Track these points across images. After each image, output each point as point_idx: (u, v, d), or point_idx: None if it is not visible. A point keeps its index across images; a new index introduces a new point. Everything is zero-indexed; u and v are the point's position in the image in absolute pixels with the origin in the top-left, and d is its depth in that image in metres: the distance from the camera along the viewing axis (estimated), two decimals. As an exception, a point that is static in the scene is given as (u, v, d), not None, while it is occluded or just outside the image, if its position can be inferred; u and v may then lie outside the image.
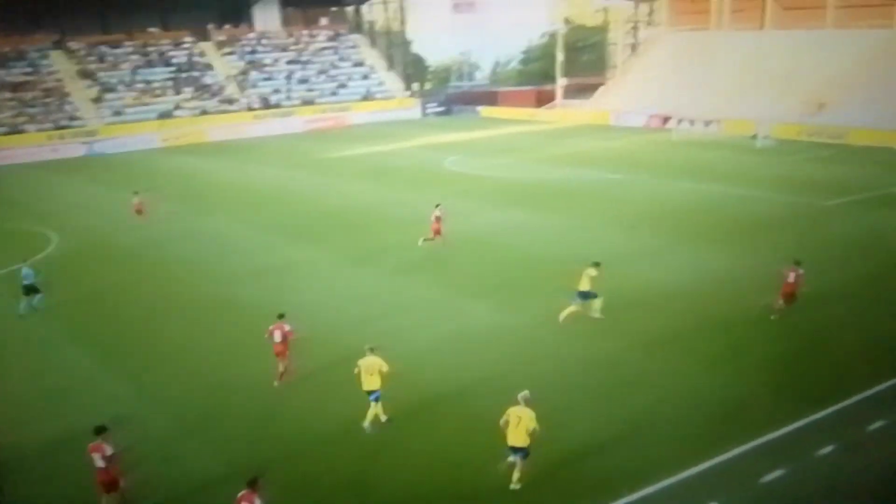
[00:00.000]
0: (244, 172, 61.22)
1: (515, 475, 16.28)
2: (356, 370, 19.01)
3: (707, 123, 77.12)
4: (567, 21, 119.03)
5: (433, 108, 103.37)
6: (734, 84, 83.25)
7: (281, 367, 21.45)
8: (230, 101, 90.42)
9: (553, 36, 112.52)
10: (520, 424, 15.98)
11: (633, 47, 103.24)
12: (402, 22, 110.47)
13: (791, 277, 24.65)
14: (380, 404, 18.92)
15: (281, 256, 35.30)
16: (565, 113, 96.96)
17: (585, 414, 19.09)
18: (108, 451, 15.60)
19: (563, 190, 48.71)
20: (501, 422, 16.30)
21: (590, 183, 50.56)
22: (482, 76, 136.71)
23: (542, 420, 16.09)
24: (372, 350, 18.98)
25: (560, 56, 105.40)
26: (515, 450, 16.19)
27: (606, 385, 18.25)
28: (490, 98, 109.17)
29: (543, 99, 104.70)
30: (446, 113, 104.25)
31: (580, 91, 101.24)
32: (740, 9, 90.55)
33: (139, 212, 44.01)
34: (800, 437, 17.94)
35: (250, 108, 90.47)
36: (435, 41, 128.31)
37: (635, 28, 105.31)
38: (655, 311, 25.96)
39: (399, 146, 72.78)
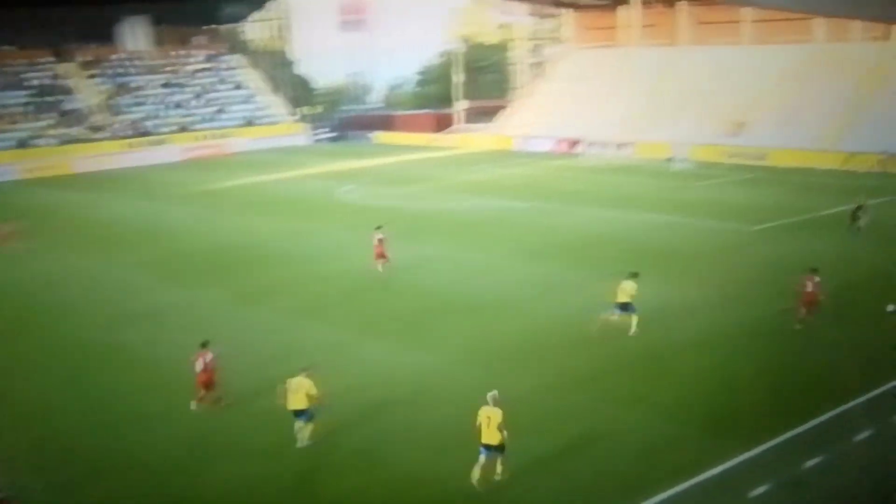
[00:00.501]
0: (115, 206, 58.92)
1: (498, 468, 17.74)
2: (280, 388, 19.89)
3: (619, 147, 78.07)
4: (465, 40, 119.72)
5: (324, 133, 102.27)
6: (647, 104, 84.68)
7: (201, 393, 22.08)
8: (97, 129, 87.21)
9: (450, 56, 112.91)
10: (490, 423, 17.47)
11: (538, 67, 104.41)
12: (285, 41, 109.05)
13: (809, 286, 25.92)
14: (310, 425, 19.75)
15: (157, 299, 33.41)
16: (466, 138, 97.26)
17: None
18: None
19: (467, 221, 48.23)
20: (477, 423, 17.65)
21: (494, 213, 50.16)
22: (376, 99, 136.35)
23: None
24: (304, 370, 19.82)
25: (459, 77, 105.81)
26: (490, 448, 17.60)
27: (514, 426, 17.47)
28: (385, 122, 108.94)
29: (443, 123, 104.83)
30: (338, 139, 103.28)
31: (482, 114, 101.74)
32: (651, 23, 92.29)
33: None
34: (731, 476, 17.68)
35: (120, 136, 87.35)
36: (322, 61, 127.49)
37: (539, 46, 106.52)
38: (571, 348, 25.23)
39: (287, 175, 71.50)
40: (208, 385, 22.05)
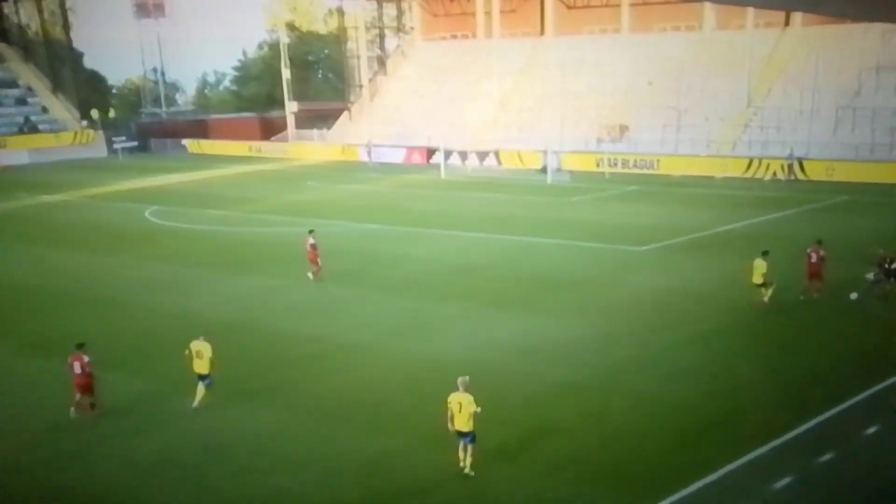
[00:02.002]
0: None
1: (468, 460, 20.22)
2: (186, 352, 24.32)
3: (482, 157, 79.47)
4: (291, 28, 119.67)
5: (122, 143, 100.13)
6: (511, 106, 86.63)
7: (77, 397, 24.01)
8: None
9: (274, 48, 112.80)
10: (462, 410, 20.00)
11: (381, 61, 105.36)
12: (67, 28, 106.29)
13: (814, 258, 31.53)
14: (208, 391, 24.45)
15: None
16: (300, 148, 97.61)
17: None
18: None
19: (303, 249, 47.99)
20: (448, 411, 20.13)
21: (336, 237, 50.34)
22: (186, 101, 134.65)
23: None
24: (205, 333, 24.30)
25: (286, 73, 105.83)
26: (463, 435, 20.18)
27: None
28: (199, 129, 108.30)
29: (271, 129, 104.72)
30: (142, 149, 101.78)
31: (318, 119, 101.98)
32: (512, 9, 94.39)
33: None
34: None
35: None
36: (116, 55, 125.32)
37: (381, 37, 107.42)
38: (426, 398, 25.55)
39: (79, 195, 69.97)
40: (85, 388, 23.84)
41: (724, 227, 49.35)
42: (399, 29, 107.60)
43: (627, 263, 41.98)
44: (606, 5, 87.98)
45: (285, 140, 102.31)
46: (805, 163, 66.73)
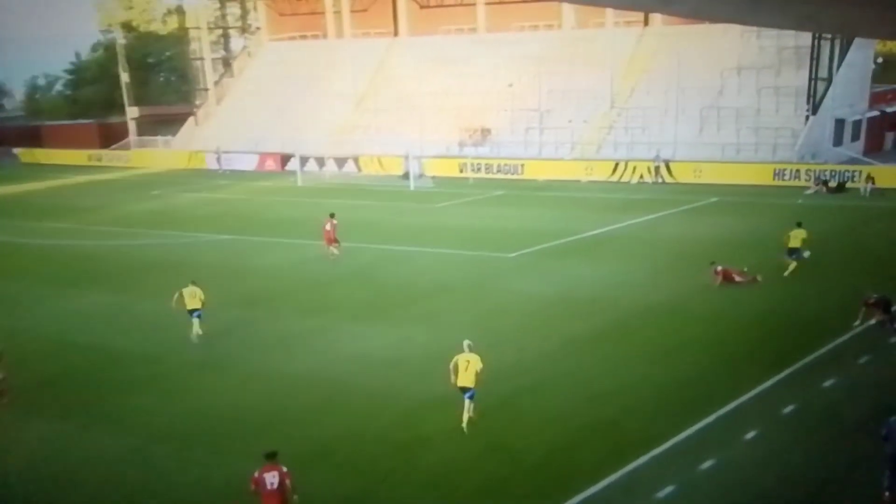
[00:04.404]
0: None
1: (465, 416, 23.40)
2: (177, 295, 31.98)
3: (341, 163, 79.35)
4: (128, 28, 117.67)
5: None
6: (368, 108, 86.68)
7: None
8: None
9: (110, 49, 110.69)
10: (469, 367, 23.31)
11: (227, 63, 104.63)
12: None
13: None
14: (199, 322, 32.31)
15: None
16: (143, 155, 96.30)
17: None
18: None
19: (149, 260, 47.37)
20: (451, 366, 23.41)
21: (185, 248, 49.67)
22: (14, 105, 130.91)
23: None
24: (193, 282, 32.52)
25: (125, 76, 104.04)
26: (465, 390, 23.42)
27: None
28: (32, 137, 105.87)
29: (111, 136, 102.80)
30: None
31: (163, 124, 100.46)
32: (363, 8, 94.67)
33: None
34: None
35: None
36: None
37: (226, 37, 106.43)
38: (286, 416, 25.48)
39: None
40: None
41: (594, 231, 50.33)
42: (244, 29, 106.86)
43: (497, 270, 42.40)
44: (461, 4, 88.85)
45: (127, 147, 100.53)
46: (672, 165, 68.39)
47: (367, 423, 24.37)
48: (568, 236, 48.99)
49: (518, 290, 38.29)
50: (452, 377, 23.46)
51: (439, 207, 60.86)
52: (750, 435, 22.55)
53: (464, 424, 23.39)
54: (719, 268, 37.12)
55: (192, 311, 32.02)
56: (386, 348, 30.95)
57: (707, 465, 21.04)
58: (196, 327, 32.01)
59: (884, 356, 28.25)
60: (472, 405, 23.57)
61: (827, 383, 25.83)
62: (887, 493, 18.95)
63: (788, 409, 24.02)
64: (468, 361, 23.36)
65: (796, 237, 37.93)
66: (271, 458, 18.64)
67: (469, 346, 23.58)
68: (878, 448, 19.50)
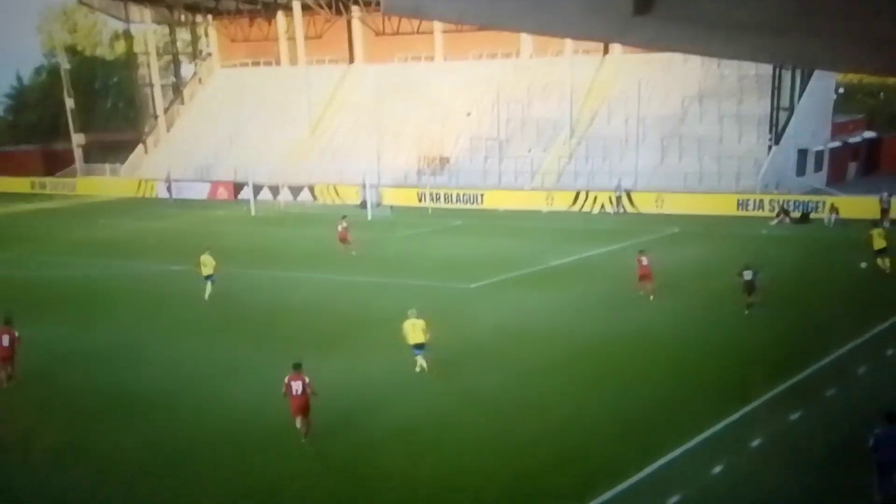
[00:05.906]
0: None
1: (424, 365, 30.21)
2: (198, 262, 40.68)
3: (296, 192, 79.47)
4: (72, 51, 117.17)
5: None
6: (322, 136, 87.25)
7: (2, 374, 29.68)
8: None
9: (54, 73, 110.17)
10: (415, 327, 29.99)
11: (177, 89, 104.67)
12: None
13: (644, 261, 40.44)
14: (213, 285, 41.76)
15: None
16: (90, 183, 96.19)
17: None
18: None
19: (96, 290, 47.34)
20: (403, 332, 30.11)
21: (131, 279, 49.62)
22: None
23: None
24: (209, 249, 41.80)
25: (70, 102, 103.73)
26: (418, 347, 30.02)
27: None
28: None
29: (56, 163, 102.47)
30: None
31: (109, 151, 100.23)
32: (317, 35, 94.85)
33: None
34: None
35: None
36: None
37: (176, 63, 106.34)
38: (244, 448, 25.64)
39: None
40: (6, 360, 30.01)
41: (556, 261, 50.76)
42: (195, 55, 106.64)
43: (458, 301, 42.69)
44: (418, 32, 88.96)
45: (73, 175, 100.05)
46: (633, 194, 69.14)
47: (321, 456, 24.50)
48: (529, 267, 49.45)
49: (479, 321, 38.63)
50: (408, 339, 30.05)
51: (398, 237, 61.24)
52: (717, 469, 22.71)
53: (417, 369, 30.15)
54: (645, 261, 40.50)
55: (207, 277, 41.32)
56: (342, 380, 30.99)
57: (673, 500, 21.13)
58: (209, 289, 41.38)
59: (851, 387, 28.64)
60: (422, 358, 30.13)
61: (794, 416, 26.07)
62: (877, 497, 20.32)
63: (755, 442, 24.19)
64: (413, 324, 30.04)
65: (879, 237, 43.42)
66: (297, 368, 25.68)
67: (413, 313, 30.29)
68: (868, 458, 20.58)
